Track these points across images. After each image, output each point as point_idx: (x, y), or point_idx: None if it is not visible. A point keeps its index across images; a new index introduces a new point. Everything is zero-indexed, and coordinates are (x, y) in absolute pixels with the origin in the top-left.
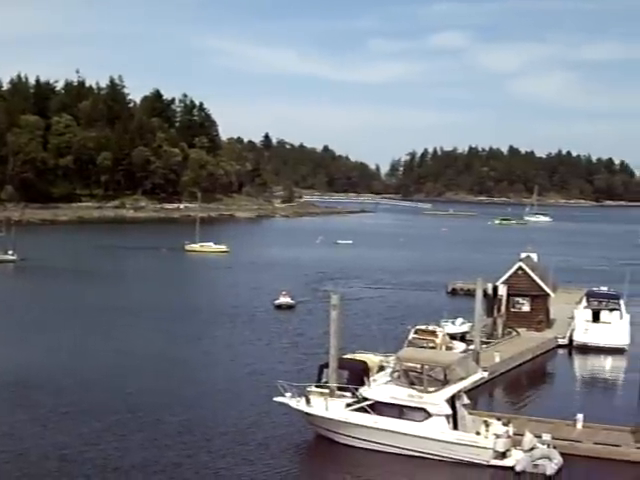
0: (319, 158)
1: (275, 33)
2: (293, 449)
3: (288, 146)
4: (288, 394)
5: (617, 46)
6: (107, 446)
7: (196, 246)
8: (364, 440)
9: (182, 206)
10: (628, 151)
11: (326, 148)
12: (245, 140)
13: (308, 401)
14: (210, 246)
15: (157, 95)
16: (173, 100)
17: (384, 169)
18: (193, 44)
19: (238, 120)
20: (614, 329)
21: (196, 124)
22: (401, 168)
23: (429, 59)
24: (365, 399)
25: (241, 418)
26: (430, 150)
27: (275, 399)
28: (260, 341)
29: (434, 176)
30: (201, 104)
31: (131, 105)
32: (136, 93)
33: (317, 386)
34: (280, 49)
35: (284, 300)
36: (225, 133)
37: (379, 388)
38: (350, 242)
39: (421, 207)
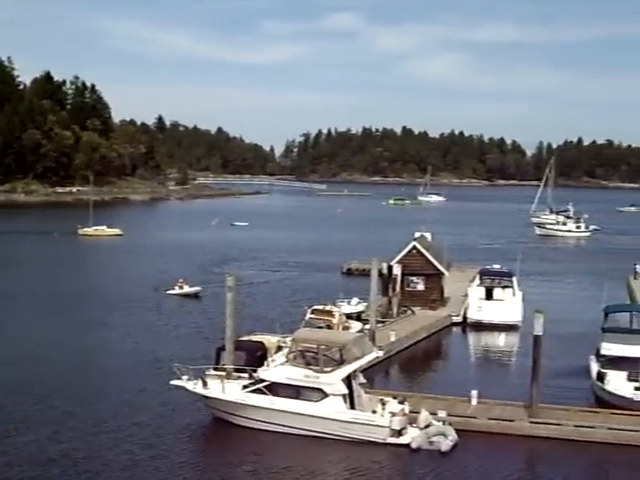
0: (213, 140)
1: (167, 14)
2: (191, 432)
3: (182, 128)
4: (185, 377)
5: (508, 27)
6: None
7: (89, 230)
8: (261, 421)
9: (75, 190)
10: (520, 131)
11: (220, 130)
12: (138, 122)
13: (205, 384)
14: (103, 230)
15: (48, 77)
16: (64, 82)
17: (278, 150)
18: (84, 25)
19: (131, 102)
20: (507, 306)
21: (88, 106)
22: (295, 149)
23: (322, 40)
24: (262, 380)
25: (138, 403)
26: (324, 131)
27: (172, 382)
28: (159, 327)
29: (328, 157)
30: (93, 86)
31: (21, 87)
32: (26, 75)
33: (214, 369)
34: (172, 30)
35: (180, 291)
36: (118, 116)
37: (275, 369)
38: (246, 224)
39: (316, 188)
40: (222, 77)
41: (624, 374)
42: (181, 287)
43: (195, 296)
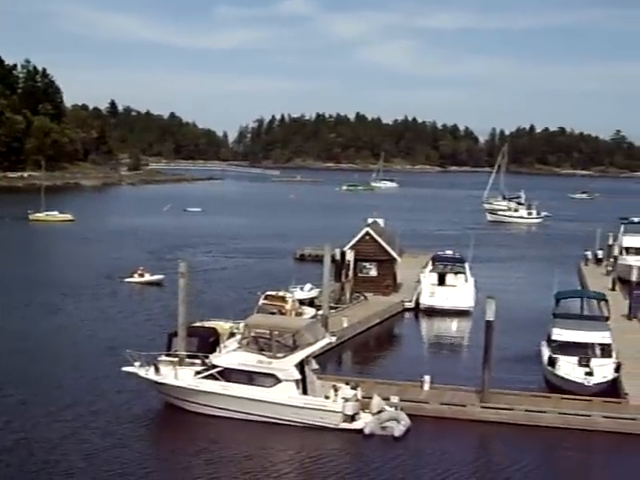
0: (166, 125)
1: None
2: (143, 419)
3: (134, 113)
4: (137, 363)
5: (461, 14)
6: None
7: (41, 215)
8: (214, 407)
9: (26, 175)
10: (472, 118)
11: (173, 115)
12: (90, 107)
13: (157, 370)
14: (55, 215)
15: None
16: (15, 66)
17: (232, 136)
18: (36, 8)
19: (83, 87)
20: (459, 292)
21: (39, 91)
22: (249, 135)
23: (276, 26)
24: (214, 366)
25: (90, 390)
26: (278, 117)
27: (124, 369)
28: (114, 314)
29: (282, 143)
30: (44, 70)
31: None
32: None
33: (166, 355)
34: (126, 14)
35: (141, 279)
36: (70, 100)
37: (228, 355)
38: (199, 210)
39: (269, 174)
40: (175, 62)
41: (575, 359)
42: (142, 275)
43: (157, 284)
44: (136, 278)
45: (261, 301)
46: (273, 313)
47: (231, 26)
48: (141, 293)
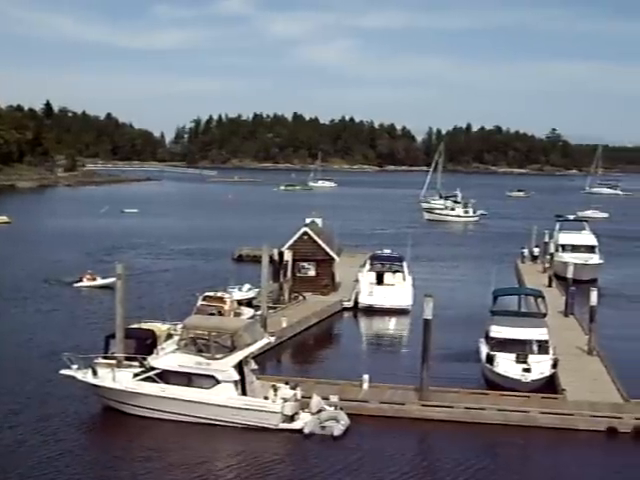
0: (102, 126)
1: None
2: (81, 422)
3: (70, 114)
4: (74, 366)
5: (398, 14)
6: None
7: None
8: (153, 410)
9: None
10: (409, 117)
11: (109, 116)
12: (25, 108)
13: (95, 372)
14: None
15: None
16: None
17: (169, 137)
18: None
19: (17, 87)
20: (397, 291)
21: None
22: (186, 135)
23: (214, 26)
24: (153, 368)
25: (27, 393)
26: (215, 117)
27: (61, 372)
28: (56, 317)
29: (219, 143)
30: None
31: None
32: None
33: (104, 357)
34: (60, 14)
35: (92, 283)
36: (4, 101)
37: (167, 356)
38: (136, 211)
39: (207, 174)
40: (112, 62)
41: (512, 356)
42: (93, 279)
43: (109, 287)
44: (86, 282)
45: (199, 302)
46: (211, 314)
47: (169, 26)
48: (90, 297)
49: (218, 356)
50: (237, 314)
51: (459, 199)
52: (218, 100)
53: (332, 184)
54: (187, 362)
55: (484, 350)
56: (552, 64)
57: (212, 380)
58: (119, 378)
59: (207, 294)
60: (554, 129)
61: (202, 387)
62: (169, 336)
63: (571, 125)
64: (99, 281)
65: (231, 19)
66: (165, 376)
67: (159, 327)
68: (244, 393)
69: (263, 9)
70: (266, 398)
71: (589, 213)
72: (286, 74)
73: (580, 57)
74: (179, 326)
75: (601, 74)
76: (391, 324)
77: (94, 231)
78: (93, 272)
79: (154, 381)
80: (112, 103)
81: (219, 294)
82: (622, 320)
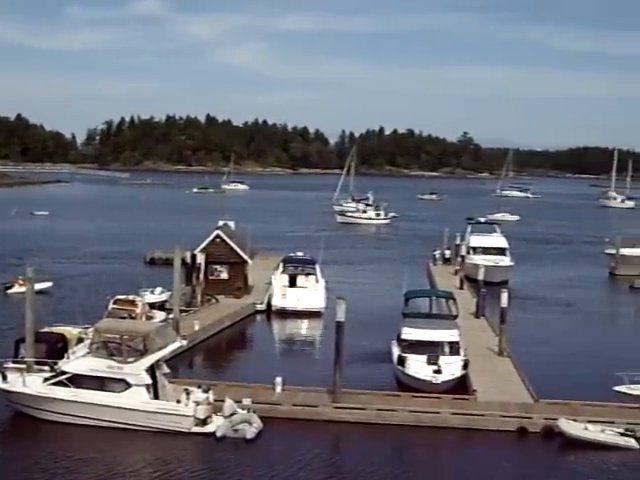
0: (13, 127)
1: None
2: None
3: None
4: None
5: (313, 17)
6: None
7: None
8: (64, 414)
9: None
10: (323, 120)
11: (19, 117)
12: None
13: (4, 377)
14: None
15: None
16: None
17: (80, 138)
18: None
19: None
20: (310, 293)
21: None
22: (98, 137)
23: (128, 27)
24: (64, 372)
25: None
26: (127, 119)
27: None
28: None
29: (132, 145)
30: None
31: None
32: None
33: (14, 362)
34: None
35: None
36: None
37: (78, 361)
38: (46, 213)
39: (118, 176)
40: (23, 63)
41: (423, 358)
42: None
43: (43, 293)
44: (18, 288)
45: (111, 305)
46: (123, 317)
47: (82, 27)
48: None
49: (130, 360)
50: (149, 317)
51: (371, 202)
52: (131, 101)
53: (245, 187)
54: (98, 366)
55: (396, 352)
56: (464, 69)
57: (124, 384)
58: (29, 383)
59: (118, 297)
60: (466, 133)
61: (114, 391)
62: (80, 340)
63: (482, 129)
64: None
65: (145, 20)
66: (76, 380)
67: (70, 331)
68: (156, 397)
69: (177, 10)
70: (178, 402)
71: (500, 216)
72: (199, 76)
73: (491, 63)
74: (90, 330)
75: (511, 79)
76: (304, 327)
77: (4, 233)
78: (24, 277)
79: (65, 385)
80: (23, 104)
81: (131, 297)
82: (532, 321)
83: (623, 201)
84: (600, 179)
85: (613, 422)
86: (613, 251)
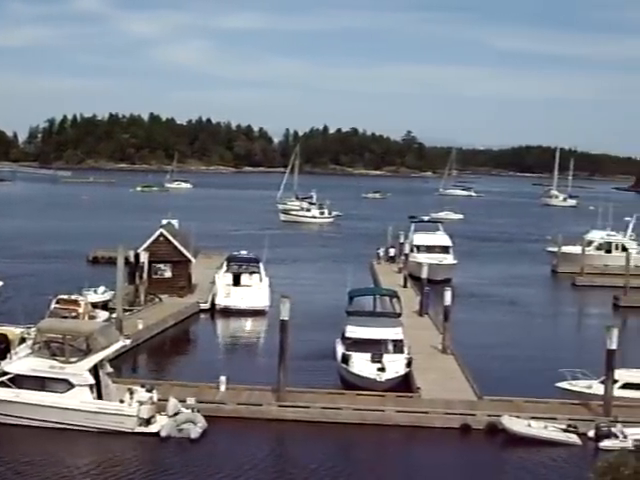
0: None
1: None
2: None
3: None
4: None
5: (256, 15)
6: None
7: None
8: (6, 415)
9: None
10: (267, 118)
11: None
12: None
13: None
14: None
15: None
16: None
17: (22, 136)
18: None
19: None
20: (254, 292)
21: None
22: (40, 135)
23: (70, 24)
24: (5, 373)
25: None
26: (70, 117)
27: None
28: None
29: (74, 143)
30: None
31: None
32: None
33: None
34: None
35: None
36: None
37: (19, 361)
38: None
39: (61, 175)
40: None
41: (367, 356)
42: None
43: None
44: None
45: (53, 305)
46: (66, 317)
47: (24, 23)
48: None
49: (73, 360)
50: (92, 317)
51: (315, 200)
52: (73, 99)
53: (189, 185)
54: (41, 366)
55: (340, 350)
56: (408, 68)
57: (66, 384)
58: None
59: (61, 297)
60: (409, 131)
61: (56, 391)
62: (22, 340)
63: (426, 128)
64: None
65: (87, 17)
66: (18, 381)
67: (12, 331)
68: (99, 397)
69: (120, 8)
70: (122, 401)
71: (443, 214)
72: (143, 74)
73: (434, 62)
74: (32, 330)
75: (454, 79)
76: (248, 325)
77: None
78: None
79: (7, 386)
80: None
81: (73, 297)
82: (475, 319)
83: (565, 199)
84: (542, 178)
85: (555, 418)
86: (555, 249)
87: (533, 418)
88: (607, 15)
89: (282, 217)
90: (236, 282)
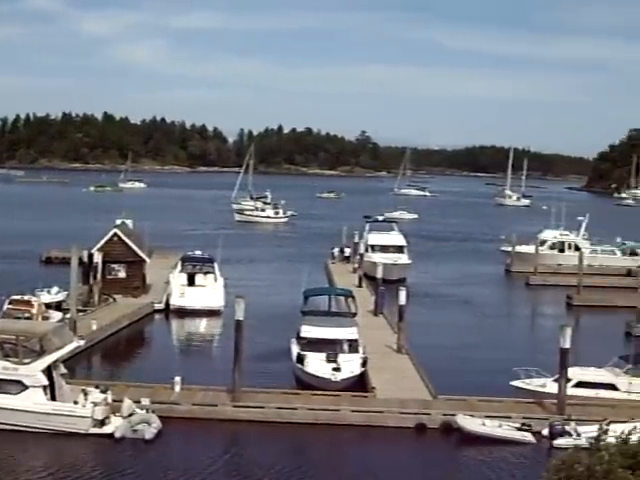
0: None
1: None
2: None
3: None
4: None
5: (210, 15)
6: None
7: None
8: None
9: None
10: (221, 118)
11: None
12: None
13: None
14: None
15: None
16: None
17: None
18: None
19: None
20: (209, 292)
21: None
22: None
23: (22, 23)
24: None
25: None
26: (22, 116)
27: None
28: None
29: (27, 143)
30: None
31: None
32: None
33: None
34: None
35: None
36: None
37: None
38: None
39: (14, 174)
40: None
41: (322, 355)
42: None
43: None
44: None
45: (6, 306)
46: (19, 318)
47: None
48: None
49: (26, 361)
50: (45, 317)
51: (269, 200)
52: (26, 98)
53: (143, 185)
54: None
55: (295, 350)
56: (362, 68)
57: (20, 385)
58: None
59: (14, 297)
60: (364, 131)
61: (9, 393)
62: None
63: (380, 128)
64: None
65: (40, 16)
66: None
67: None
68: (53, 398)
69: (73, 6)
70: (76, 403)
71: (398, 214)
72: (96, 73)
73: (389, 62)
74: None
75: (409, 79)
76: (203, 325)
77: None
78: None
79: None
80: None
81: (26, 297)
82: (430, 318)
83: (518, 199)
84: (496, 177)
85: (510, 417)
86: (509, 248)
87: (488, 417)
88: (557, 16)
89: (237, 217)
90: (191, 282)
